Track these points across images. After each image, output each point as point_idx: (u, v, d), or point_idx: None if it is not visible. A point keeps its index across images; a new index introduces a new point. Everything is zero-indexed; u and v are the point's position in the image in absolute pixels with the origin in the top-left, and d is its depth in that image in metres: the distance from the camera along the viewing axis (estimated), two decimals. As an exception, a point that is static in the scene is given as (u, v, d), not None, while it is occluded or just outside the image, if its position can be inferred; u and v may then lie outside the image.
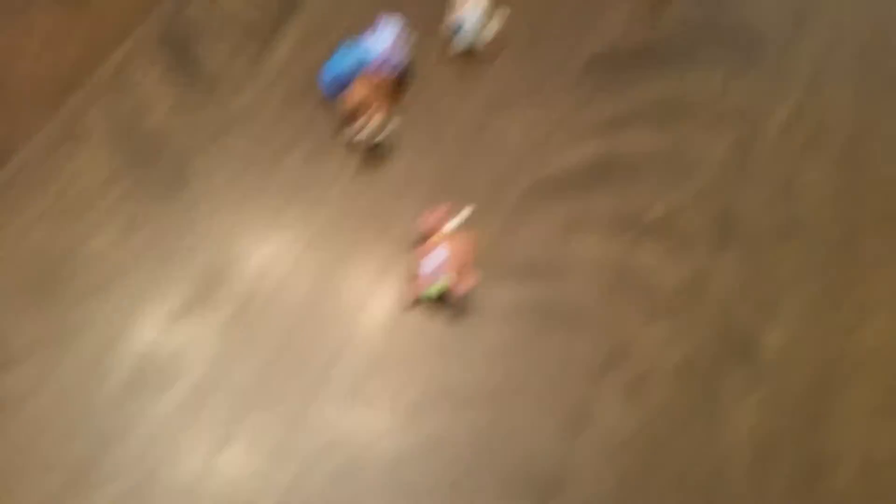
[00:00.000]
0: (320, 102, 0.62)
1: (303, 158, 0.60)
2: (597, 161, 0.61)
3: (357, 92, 0.59)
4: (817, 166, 0.63)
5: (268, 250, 0.56)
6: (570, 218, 0.59)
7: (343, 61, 0.61)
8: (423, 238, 0.56)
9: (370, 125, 0.59)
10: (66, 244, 0.54)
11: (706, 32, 0.69)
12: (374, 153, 0.60)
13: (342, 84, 0.60)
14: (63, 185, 0.56)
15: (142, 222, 0.56)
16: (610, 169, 0.61)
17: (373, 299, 0.55)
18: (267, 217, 0.57)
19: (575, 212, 0.59)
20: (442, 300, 0.54)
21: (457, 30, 0.64)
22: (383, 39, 0.60)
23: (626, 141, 0.63)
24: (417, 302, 0.55)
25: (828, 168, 0.63)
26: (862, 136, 0.64)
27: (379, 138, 0.59)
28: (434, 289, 0.54)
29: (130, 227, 0.55)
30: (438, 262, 0.53)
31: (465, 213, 0.56)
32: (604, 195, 0.60)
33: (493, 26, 0.66)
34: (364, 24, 0.64)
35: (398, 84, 0.62)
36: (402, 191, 0.59)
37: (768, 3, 0.71)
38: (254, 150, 0.60)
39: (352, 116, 0.60)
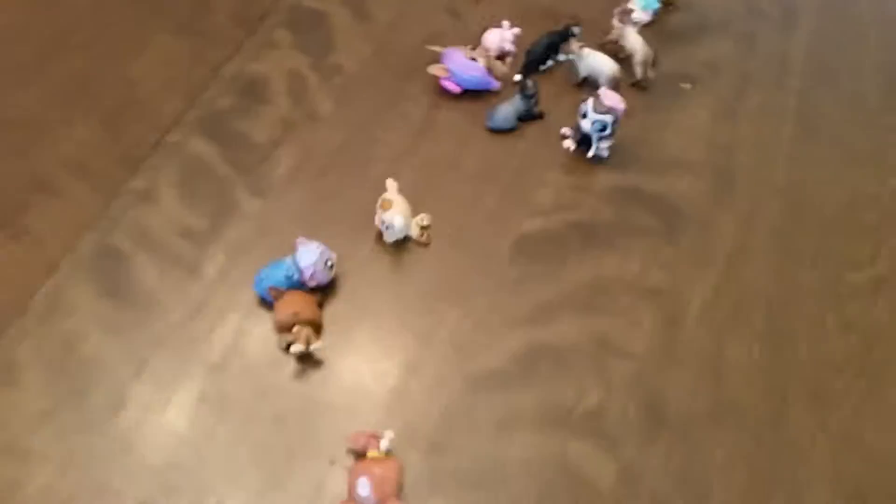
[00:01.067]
0: (247, 319, 0.64)
1: (238, 372, 0.61)
2: (525, 353, 0.63)
3: (288, 306, 0.61)
4: (741, 343, 0.65)
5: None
6: (502, 416, 0.60)
7: (275, 274, 0.63)
8: (357, 455, 0.56)
9: (301, 339, 0.60)
10: (7, 488, 0.54)
11: (629, 211, 0.73)
12: (306, 361, 0.62)
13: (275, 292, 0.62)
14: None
15: (79, 455, 0.56)
16: (538, 360, 0.62)
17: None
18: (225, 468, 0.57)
19: (506, 409, 0.60)
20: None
21: (385, 228, 0.67)
22: (308, 257, 0.62)
23: (553, 330, 0.65)
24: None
25: (752, 344, 0.65)
26: (782, 310, 0.67)
27: (311, 348, 0.60)
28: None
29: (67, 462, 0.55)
30: (366, 491, 0.53)
31: (387, 438, 0.57)
32: (533, 389, 0.62)
33: (423, 220, 0.69)
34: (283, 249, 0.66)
35: (322, 298, 0.64)
36: (330, 398, 0.60)
37: (688, 179, 0.75)
38: (184, 366, 0.61)
39: (284, 328, 0.61)
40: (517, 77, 0.81)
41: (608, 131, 0.72)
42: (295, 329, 0.61)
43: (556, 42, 0.81)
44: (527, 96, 0.76)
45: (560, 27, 0.82)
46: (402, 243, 0.69)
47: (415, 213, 0.69)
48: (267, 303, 0.64)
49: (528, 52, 0.81)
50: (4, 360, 0.59)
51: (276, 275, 0.63)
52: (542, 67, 0.82)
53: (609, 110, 0.71)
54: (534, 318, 0.66)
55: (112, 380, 0.59)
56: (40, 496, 0.54)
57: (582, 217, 0.72)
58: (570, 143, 0.76)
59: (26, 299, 0.62)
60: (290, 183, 0.72)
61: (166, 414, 0.58)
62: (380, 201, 0.67)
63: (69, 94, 0.75)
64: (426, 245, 0.69)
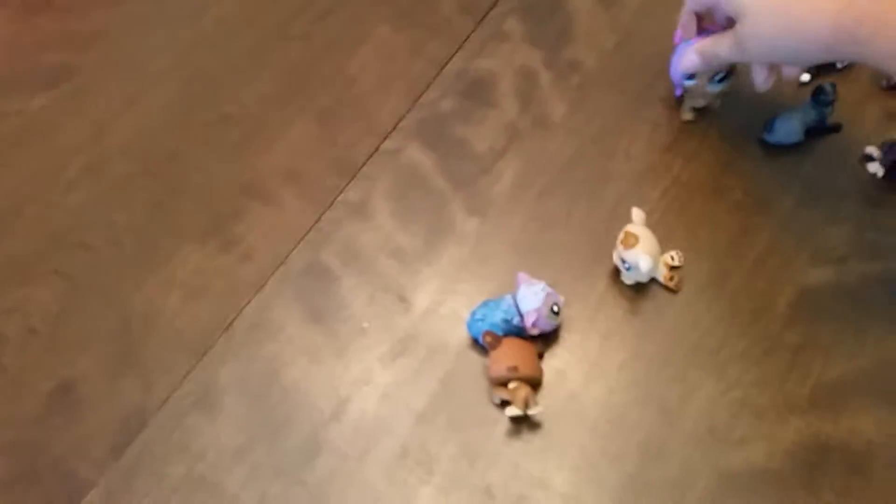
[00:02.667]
0: (457, 363, 0.55)
1: (444, 425, 0.53)
2: (805, 451, 0.48)
3: (505, 357, 0.52)
4: None
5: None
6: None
7: (492, 314, 0.54)
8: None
9: (518, 400, 0.50)
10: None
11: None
12: (521, 423, 0.52)
13: (491, 338, 0.53)
14: (195, 456, 0.53)
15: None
16: (823, 464, 0.48)
17: None
18: (406, 493, 0.50)
19: (775, 526, 0.47)
20: None
21: (626, 268, 0.55)
22: (531, 300, 0.52)
23: (845, 425, 0.49)
24: None
25: None
26: None
27: (529, 412, 0.51)
28: None
29: (257, 506, 0.51)
30: None
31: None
32: (819, 496, 0.47)
33: (673, 259, 0.56)
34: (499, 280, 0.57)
35: (543, 348, 0.54)
36: (549, 476, 0.50)
37: None
38: (387, 412, 0.54)
39: (499, 383, 0.52)
40: (805, 77, 0.64)
41: (940, 157, 0.54)
42: (512, 386, 0.51)
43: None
44: (821, 103, 0.59)
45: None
46: (645, 286, 0.56)
47: (663, 249, 0.56)
48: (480, 346, 0.55)
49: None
50: (207, 380, 0.56)
51: (494, 316, 0.53)
52: (839, 65, 0.64)
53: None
54: (818, 404, 0.51)
55: (311, 418, 0.54)
56: (231, 539, 0.50)
57: (890, 268, 0.55)
58: (876, 168, 0.59)
59: (232, 316, 0.58)
60: (512, 202, 0.62)
61: (364, 466, 0.52)
62: (621, 235, 0.55)
63: (287, 89, 0.71)
64: (675, 292, 0.56)
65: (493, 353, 0.52)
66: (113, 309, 0.60)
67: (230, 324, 0.58)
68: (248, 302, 0.59)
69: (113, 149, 0.68)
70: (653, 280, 0.56)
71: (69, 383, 0.57)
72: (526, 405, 0.50)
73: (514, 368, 0.51)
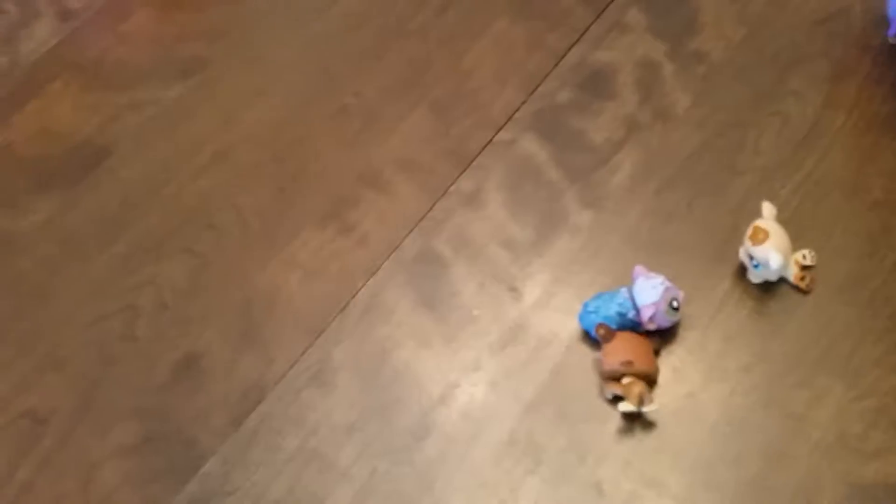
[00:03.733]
0: (570, 351, 0.54)
1: (553, 417, 0.52)
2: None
3: (620, 352, 0.50)
4: None
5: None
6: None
7: (606, 307, 0.52)
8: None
9: (632, 396, 0.49)
10: (306, 498, 0.52)
11: None
12: (634, 420, 0.50)
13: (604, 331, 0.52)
14: (308, 431, 0.55)
15: (379, 481, 0.52)
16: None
17: None
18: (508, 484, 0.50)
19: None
20: None
21: (754, 266, 0.53)
22: (648, 294, 0.51)
23: None
24: None
25: None
26: None
27: (643, 409, 0.49)
28: None
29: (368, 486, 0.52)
30: None
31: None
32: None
33: (805, 258, 0.53)
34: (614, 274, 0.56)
35: (660, 345, 0.52)
36: (663, 476, 0.48)
37: None
38: (496, 400, 0.54)
39: (612, 377, 0.51)
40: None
41: None
42: (625, 381, 0.50)
43: None
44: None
45: None
46: (773, 285, 0.54)
47: (794, 247, 0.53)
48: (592, 339, 0.54)
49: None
50: (323, 358, 0.58)
51: (608, 309, 0.52)
52: None
53: None
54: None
55: (420, 400, 0.54)
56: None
57: None
58: None
59: (348, 298, 0.60)
60: (629, 194, 0.60)
61: (471, 451, 0.51)
62: (750, 229, 0.52)
63: (403, 82, 0.72)
64: (806, 292, 0.53)
65: (607, 347, 0.51)
66: (238, 287, 0.63)
67: (345, 306, 0.60)
68: (363, 285, 0.61)
69: (240, 137, 0.72)
70: (782, 279, 0.53)
71: (194, 356, 0.60)
72: (640, 402, 0.49)
73: (629, 363, 0.50)
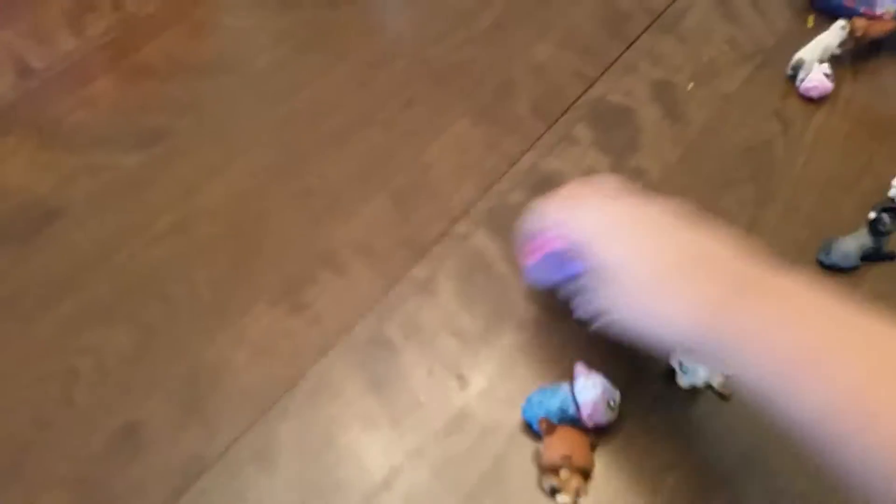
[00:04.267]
0: (511, 441, 0.56)
1: (494, 503, 0.54)
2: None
3: (560, 446, 0.53)
4: None
5: None
6: None
7: (549, 402, 0.55)
8: None
9: (569, 489, 0.51)
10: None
11: None
12: (572, 513, 0.53)
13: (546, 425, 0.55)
14: (245, 510, 0.55)
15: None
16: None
17: None
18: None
19: None
20: None
21: (683, 370, 0.57)
22: (589, 393, 0.54)
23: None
24: None
25: None
26: None
27: (579, 502, 0.52)
28: None
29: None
30: None
31: None
32: None
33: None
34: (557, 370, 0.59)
35: (596, 440, 0.55)
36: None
37: None
38: (437, 487, 0.55)
39: (551, 470, 0.53)
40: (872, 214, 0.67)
41: None
42: (563, 474, 0.52)
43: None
44: (878, 233, 0.62)
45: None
46: (697, 391, 0.58)
47: (719, 356, 0.58)
48: (534, 431, 0.56)
49: None
50: (267, 434, 0.58)
51: (550, 404, 0.55)
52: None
53: None
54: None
55: (363, 484, 0.55)
56: None
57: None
58: (932, 298, 0.61)
59: (297, 377, 0.61)
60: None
61: (412, 540, 0.53)
62: (681, 337, 0.57)
63: (367, 169, 0.75)
64: (727, 399, 0.57)
65: (547, 440, 0.54)
66: (184, 358, 0.63)
67: (293, 385, 0.61)
68: (313, 365, 0.62)
69: (199, 209, 0.73)
70: (708, 387, 0.58)
71: (135, 425, 0.59)
72: (577, 495, 0.51)
73: (568, 457, 0.52)
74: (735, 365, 0.43)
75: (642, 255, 0.48)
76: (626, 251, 0.49)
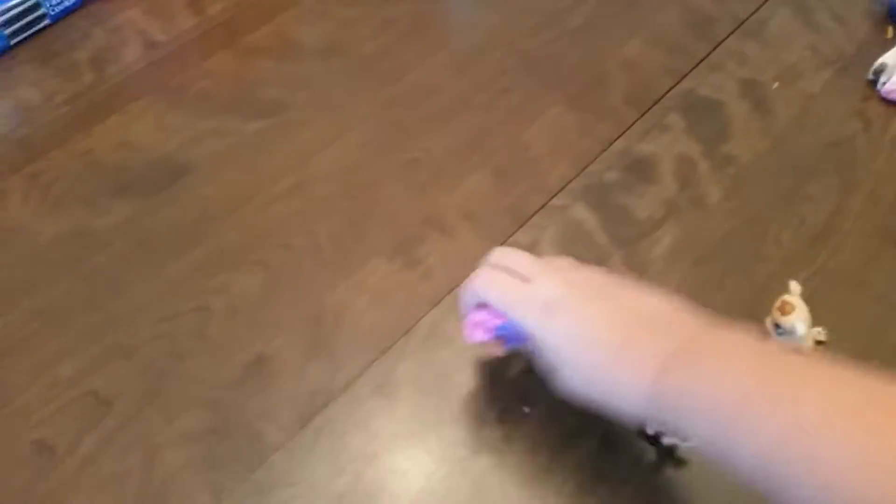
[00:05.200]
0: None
1: (597, 447, 0.58)
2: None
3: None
4: None
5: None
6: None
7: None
8: None
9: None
10: (367, 496, 0.56)
11: None
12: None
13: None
14: (371, 435, 0.59)
15: (436, 485, 0.57)
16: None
17: None
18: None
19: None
20: None
21: (779, 333, 0.61)
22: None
23: None
24: None
25: None
26: None
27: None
28: None
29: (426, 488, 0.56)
30: None
31: None
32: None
33: (819, 335, 0.62)
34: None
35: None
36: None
37: None
38: (541, 430, 0.59)
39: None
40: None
41: None
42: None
43: None
44: (965, 219, 0.66)
45: None
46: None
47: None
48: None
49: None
50: (387, 372, 0.63)
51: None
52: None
53: None
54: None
55: (476, 416, 0.60)
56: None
57: None
58: None
59: (412, 322, 0.66)
60: (669, 264, 0.69)
61: (523, 465, 0.57)
62: (778, 302, 0.61)
63: (468, 146, 0.81)
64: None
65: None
66: (308, 301, 0.68)
67: (409, 329, 0.66)
68: (426, 314, 0.67)
69: (316, 174, 0.79)
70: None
71: (264, 358, 0.65)
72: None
73: None
74: (683, 428, 0.44)
75: (584, 325, 0.48)
76: (566, 323, 0.48)
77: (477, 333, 0.55)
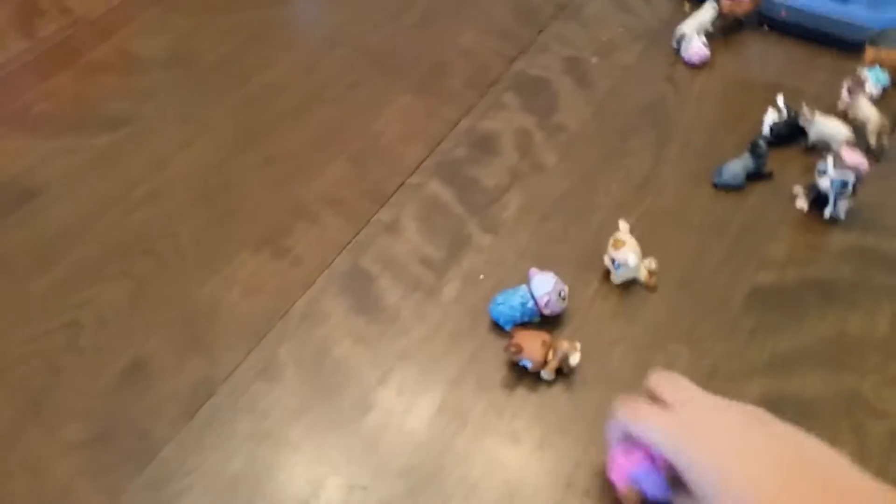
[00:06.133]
0: (483, 339, 0.66)
1: (474, 388, 0.63)
2: (767, 402, 0.59)
3: (522, 339, 0.63)
4: None
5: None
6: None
7: (511, 299, 0.66)
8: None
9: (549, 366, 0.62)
10: (263, 471, 0.58)
11: (871, 271, 0.70)
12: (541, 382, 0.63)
13: (507, 321, 0.65)
14: (259, 416, 0.61)
15: (329, 450, 0.59)
16: (781, 410, 0.59)
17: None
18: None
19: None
20: None
21: (616, 267, 0.69)
22: (543, 286, 0.65)
23: (796, 382, 0.62)
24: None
25: None
26: None
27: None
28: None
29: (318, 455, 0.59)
30: None
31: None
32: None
33: (650, 264, 0.70)
34: (513, 279, 0.69)
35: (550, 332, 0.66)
36: (564, 425, 0.60)
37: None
38: (424, 379, 0.64)
39: (514, 354, 0.63)
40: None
41: (848, 190, 0.71)
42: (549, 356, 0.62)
43: (795, 122, 0.82)
44: (757, 155, 0.77)
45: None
46: (629, 286, 0.70)
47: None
48: (499, 327, 0.66)
49: (772, 129, 0.82)
50: (267, 356, 0.65)
51: (512, 300, 0.66)
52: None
53: (851, 168, 0.70)
54: (774, 368, 0.64)
55: (360, 384, 0.63)
56: (290, 482, 0.58)
57: (819, 274, 0.70)
58: (802, 203, 0.75)
59: (287, 306, 0.69)
60: (518, 223, 0.76)
61: (408, 420, 0.61)
62: (611, 240, 0.69)
63: (323, 139, 0.84)
64: (653, 289, 0.70)
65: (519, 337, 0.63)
66: (178, 303, 0.69)
67: (285, 313, 0.68)
68: (301, 296, 0.70)
69: (172, 179, 0.80)
70: (635, 281, 0.70)
71: (141, 361, 0.65)
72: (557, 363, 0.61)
73: (545, 342, 0.62)
74: None
75: (737, 459, 0.45)
76: (714, 453, 0.45)
77: (615, 475, 0.53)
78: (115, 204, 0.77)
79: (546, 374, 0.62)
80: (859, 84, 0.84)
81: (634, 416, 0.52)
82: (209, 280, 0.71)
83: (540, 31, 1.00)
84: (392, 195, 0.78)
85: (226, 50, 0.95)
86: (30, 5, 1.00)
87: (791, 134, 0.83)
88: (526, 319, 0.66)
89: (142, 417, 0.62)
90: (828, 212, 0.73)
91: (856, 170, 0.70)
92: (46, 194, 0.78)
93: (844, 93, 0.85)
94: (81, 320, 0.68)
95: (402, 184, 0.80)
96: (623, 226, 0.71)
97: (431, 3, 1.04)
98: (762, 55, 0.97)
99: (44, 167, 0.80)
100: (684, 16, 1.00)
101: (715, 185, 0.79)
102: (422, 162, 0.82)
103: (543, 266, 0.70)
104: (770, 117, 0.83)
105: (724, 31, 0.99)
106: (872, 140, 0.80)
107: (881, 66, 0.88)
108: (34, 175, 0.79)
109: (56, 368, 0.64)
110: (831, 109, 0.84)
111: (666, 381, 0.54)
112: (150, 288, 0.70)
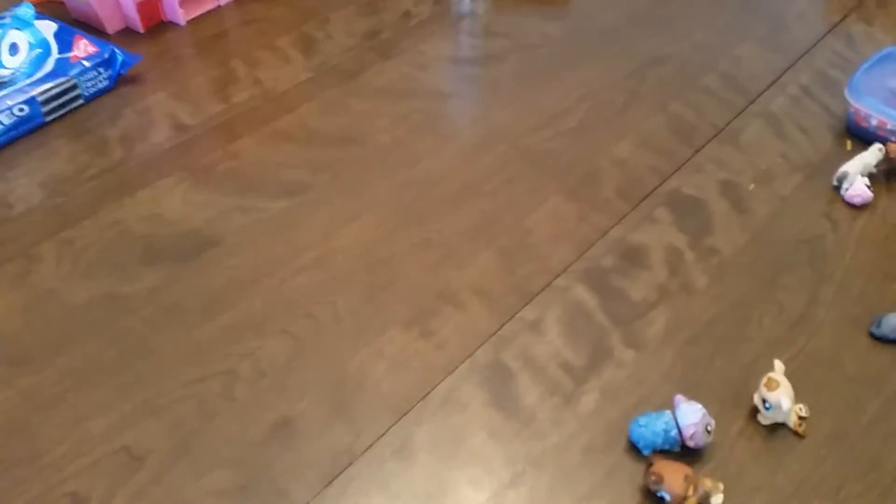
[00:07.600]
0: (620, 458, 0.66)
1: (600, 510, 0.62)
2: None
3: (663, 469, 0.62)
4: None
5: None
6: None
7: (653, 424, 0.65)
8: None
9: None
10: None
11: None
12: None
13: (647, 446, 0.65)
14: (392, 494, 0.63)
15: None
16: None
17: None
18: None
19: None
20: None
21: (766, 408, 0.67)
22: (691, 416, 0.64)
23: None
24: None
25: None
26: None
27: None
28: None
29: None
30: None
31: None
32: None
33: (801, 410, 0.68)
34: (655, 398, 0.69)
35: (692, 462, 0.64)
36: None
37: None
38: (556, 490, 0.64)
39: (654, 483, 0.62)
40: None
41: None
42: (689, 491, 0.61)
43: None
44: (924, 311, 0.74)
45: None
46: (776, 428, 0.68)
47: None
48: (637, 449, 0.66)
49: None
50: (405, 436, 0.67)
51: (655, 426, 0.65)
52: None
53: None
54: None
55: (491, 481, 0.64)
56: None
57: None
58: (970, 368, 0.72)
59: (428, 389, 0.71)
60: (663, 343, 0.75)
61: (536, 528, 0.61)
62: (764, 378, 0.67)
63: (476, 229, 0.88)
64: (802, 437, 0.67)
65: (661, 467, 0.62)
66: (332, 367, 0.73)
67: (425, 395, 0.71)
68: (441, 381, 0.72)
69: (337, 249, 0.85)
70: (783, 424, 0.67)
71: (289, 419, 0.69)
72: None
73: (688, 476, 0.61)
74: None
75: None
76: None
77: None
78: (283, 265, 0.83)
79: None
80: None
81: None
82: (360, 350, 0.74)
83: (696, 151, 1.01)
84: (538, 294, 0.80)
85: (396, 134, 1.02)
86: (229, 73, 1.11)
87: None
88: (666, 447, 0.65)
89: (283, 475, 0.65)
90: None
91: None
92: (222, 246, 0.85)
93: None
94: (239, 370, 0.73)
95: (549, 284, 0.82)
96: (779, 366, 0.69)
97: (589, 111, 1.08)
98: (930, 204, 0.95)
99: (223, 221, 0.88)
100: (845, 152, 0.99)
101: (872, 336, 0.76)
102: (570, 265, 0.84)
103: (687, 393, 0.69)
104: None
105: (888, 175, 0.97)
106: None
107: None
108: (213, 227, 0.87)
109: (210, 413, 0.69)
110: None
111: None
112: (306, 349, 0.75)
